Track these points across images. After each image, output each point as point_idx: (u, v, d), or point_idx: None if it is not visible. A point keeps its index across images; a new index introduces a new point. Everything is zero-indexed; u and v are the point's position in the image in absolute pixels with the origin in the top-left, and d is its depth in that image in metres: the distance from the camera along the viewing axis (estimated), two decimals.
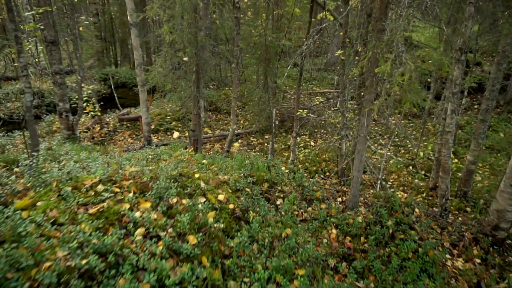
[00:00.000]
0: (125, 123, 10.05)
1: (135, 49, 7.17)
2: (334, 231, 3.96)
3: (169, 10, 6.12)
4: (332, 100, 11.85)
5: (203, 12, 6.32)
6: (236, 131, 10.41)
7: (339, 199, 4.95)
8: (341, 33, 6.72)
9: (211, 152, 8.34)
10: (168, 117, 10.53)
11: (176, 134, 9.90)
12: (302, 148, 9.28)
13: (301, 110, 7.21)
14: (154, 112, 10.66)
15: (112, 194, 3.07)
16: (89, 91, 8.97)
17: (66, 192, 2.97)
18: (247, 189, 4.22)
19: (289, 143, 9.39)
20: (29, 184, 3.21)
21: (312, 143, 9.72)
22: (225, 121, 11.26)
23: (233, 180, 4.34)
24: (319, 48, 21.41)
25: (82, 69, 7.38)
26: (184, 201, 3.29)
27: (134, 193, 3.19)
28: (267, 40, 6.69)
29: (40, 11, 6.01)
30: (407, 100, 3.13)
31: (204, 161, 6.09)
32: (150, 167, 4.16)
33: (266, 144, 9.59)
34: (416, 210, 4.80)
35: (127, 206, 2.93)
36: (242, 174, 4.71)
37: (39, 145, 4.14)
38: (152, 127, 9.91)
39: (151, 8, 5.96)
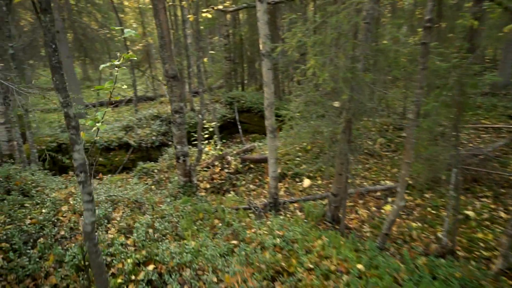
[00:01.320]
0: (248, 163, 8.62)
1: (265, 85, 5.51)
2: None
3: (315, 36, 4.19)
4: None
5: (363, 36, 4.26)
6: (383, 183, 7.96)
7: None
8: None
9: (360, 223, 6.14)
10: (298, 158, 8.70)
11: (307, 182, 7.99)
12: (488, 223, 6.30)
13: None
14: (281, 152, 8.97)
15: None
16: (211, 129, 7.79)
17: None
18: None
19: (468, 212, 6.50)
20: None
21: (502, 214, 6.60)
22: (376, 169, 8.80)
23: None
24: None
25: (204, 106, 6.01)
26: None
27: None
28: (463, 77, 4.21)
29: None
30: None
31: (359, 266, 3.94)
32: None
33: (429, 209, 6.87)
34: None
35: None
36: None
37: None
38: (279, 170, 8.21)
39: (293, 35, 4.15)
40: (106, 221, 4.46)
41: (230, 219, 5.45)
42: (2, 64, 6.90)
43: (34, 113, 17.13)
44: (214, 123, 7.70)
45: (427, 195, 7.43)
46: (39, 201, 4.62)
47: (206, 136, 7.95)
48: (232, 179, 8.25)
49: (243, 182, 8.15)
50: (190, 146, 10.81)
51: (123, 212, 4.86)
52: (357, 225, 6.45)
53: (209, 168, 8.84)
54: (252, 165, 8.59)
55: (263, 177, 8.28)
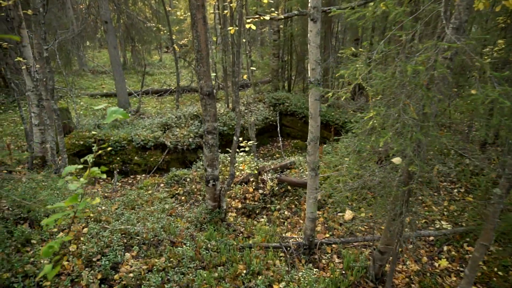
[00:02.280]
0: (285, 184, 7.84)
1: (311, 118, 4.68)
2: None
3: (380, 80, 3.27)
4: None
5: (441, 85, 3.27)
6: (438, 225, 6.89)
7: None
8: None
9: None
10: (340, 184, 7.77)
11: (349, 214, 7.10)
12: None
13: None
14: (323, 174, 8.08)
15: None
16: (247, 148, 7.10)
17: None
18: None
19: None
20: None
21: None
22: (431, 203, 7.72)
23: None
24: None
25: (238, 126, 5.35)
26: None
27: None
28: None
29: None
30: None
31: None
32: None
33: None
34: None
35: None
36: None
37: None
38: (318, 197, 7.38)
39: (353, 73, 3.26)
40: (113, 272, 3.94)
41: (256, 266, 4.78)
42: (38, 66, 6.64)
43: (79, 99, 17.53)
44: (251, 142, 6.97)
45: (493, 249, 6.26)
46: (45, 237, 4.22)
47: (242, 145, 7.26)
48: (266, 201, 7.55)
49: (278, 207, 7.42)
50: (225, 155, 10.25)
51: (137, 252, 4.35)
52: (405, 281, 5.51)
53: (242, 184, 8.21)
54: (289, 187, 7.82)
55: (300, 203, 7.50)
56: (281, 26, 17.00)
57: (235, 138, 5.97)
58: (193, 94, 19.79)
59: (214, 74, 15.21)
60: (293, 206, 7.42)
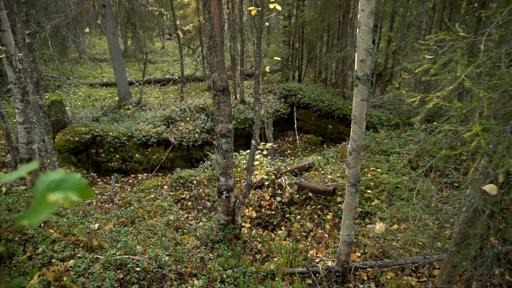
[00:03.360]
0: (306, 191, 6.89)
1: (355, 122, 3.71)
2: None
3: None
4: None
5: None
6: None
7: None
8: None
9: None
10: (369, 191, 6.83)
11: (380, 227, 6.16)
12: None
13: None
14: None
15: None
16: (265, 152, 6.13)
17: None
18: None
19: None
20: None
21: None
22: None
23: None
24: None
25: (257, 128, 4.41)
26: None
27: None
28: None
29: None
30: None
31: None
32: None
33: None
34: None
35: None
36: None
37: None
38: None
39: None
40: None
41: None
42: (20, 54, 5.65)
43: (77, 89, 16.51)
44: (270, 144, 5.98)
45: None
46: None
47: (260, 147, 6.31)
48: (285, 211, 6.63)
49: (298, 217, 6.50)
50: (237, 154, 9.29)
51: None
52: None
53: (256, 189, 7.28)
54: (310, 194, 6.88)
55: (324, 212, 6.56)
56: (292, 11, 15.85)
57: (253, 142, 5.00)
58: (198, 83, 18.74)
59: None
60: (315, 216, 6.49)
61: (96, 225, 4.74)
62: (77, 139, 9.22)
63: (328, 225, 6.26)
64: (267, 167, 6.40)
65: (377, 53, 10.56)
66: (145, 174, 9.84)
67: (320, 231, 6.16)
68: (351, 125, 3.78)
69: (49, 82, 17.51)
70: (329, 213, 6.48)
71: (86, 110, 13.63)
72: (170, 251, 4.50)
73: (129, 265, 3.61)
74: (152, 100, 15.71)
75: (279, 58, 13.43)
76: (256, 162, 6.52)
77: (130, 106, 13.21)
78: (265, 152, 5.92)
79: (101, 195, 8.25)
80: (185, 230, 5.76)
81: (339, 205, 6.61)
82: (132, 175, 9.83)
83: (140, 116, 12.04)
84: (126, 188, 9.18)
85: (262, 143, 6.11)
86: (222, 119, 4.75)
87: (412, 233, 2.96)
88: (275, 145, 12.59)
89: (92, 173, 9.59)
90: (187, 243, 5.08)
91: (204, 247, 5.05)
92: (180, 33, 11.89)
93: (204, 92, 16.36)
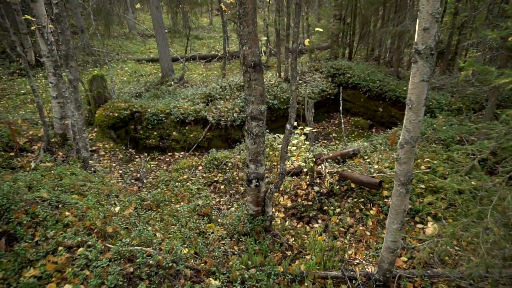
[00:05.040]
0: (348, 182, 6.19)
1: (410, 108, 2.98)
2: None
3: None
4: None
5: None
6: None
7: None
8: None
9: None
10: (422, 185, 5.97)
11: (431, 229, 5.38)
12: None
13: None
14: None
15: None
16: (303, 137, 5.48)
17: None
18: None
19: None
20: None
21: None
22: None
23: None
24: None
25: (293, 111, 3.85)
26: None
27: None
28: None
29: None
30: None
31: None
32: None
33: None
34: None
35: None
36: None
37: None
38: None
39: None
40: None
41: None
42: (51, 26, 5.44)
43: (124, 64, 16.67)
44: (309, 128, 5.33)
45: None
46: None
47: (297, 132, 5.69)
48: (323, 202, 6.01)
49: (338, 210, 5.86)
50: (273, 135, 8.72)
51: None
52: None
53: (293, 176, 6.71)
54: (353, 185, 6.18)
55: (367, 207, 5.86)
56: None
57: (288, 126, 4.41)
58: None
59: (265, 38, 13.41)
60: (357, 210, 5.81)
61: (117, 208, 4.49)
62: (116, 114, 9.17)
63: (371, 221, 5.56)
64: (306, 152, 5.78)
65: (442, 26, 9.26)
66: (182, 153, 9.64)
67: (361, 227, 5.49)
68: (405, 112, 3.05)
69: (98, 57, 17.92)
70: (373, 208, 5.76)
71: (131, 86, 13.71)
72: (190, 242, 4.13)
73: (138, 259, 3.27)
74: (196, 77, 15.49)
75: (321, 29, 12.35)
76: (293, 148, 5.92)
77: (172, 83, 13.05)
78: (302, 137, 5.28)
79: (136, 173, 8.16)
80: (213, 217, 5.39)
81: (385, 200, 5.86)
82: (169, 153, 9.68)
83: (181, 92, 11.82)
84: (162, 166, 9.05)
85: (300, 127, 5.46)
86: (253, 99, 4.19)
87: (481, 260, 2.25)
88: (318, 128, 11.83)
89: (130, 149, 9.57)
90: (211, 233, 4.70)
91: (230, 239, 4.64)
92: (223, 7, 11.31)
93: None
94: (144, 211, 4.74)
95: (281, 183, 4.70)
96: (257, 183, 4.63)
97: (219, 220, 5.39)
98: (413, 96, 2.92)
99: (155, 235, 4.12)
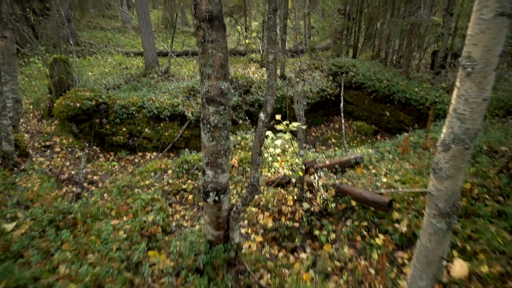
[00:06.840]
0: (347, 198, 4.76)
1: (466, 78, 1.54)
2: None
3: None
4: None
5: None
6: None
7: None
8: None
9: None
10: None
11: (460, 268, 3.93)
12: None
13: None
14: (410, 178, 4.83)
15: None
16: (287, 136, 4.07)
17: None
18: None
19: None
20: None
21: None
22: None
23: None
24: None
25: (271, 94, 2.34)
26: None
27: None
28: None
29: None
30: None
31: None
32: None
33: None
34: None
35: None
36: None
37: None
38: (404, 226, 4.24)
39: None
40: None
41: None
42: None
43: (110, 57, 15.45)
44: (297, 123, 3.89)
45: None
46: None
47: (281, 128, 4.25)
48: (313, 224, 4.59)
49: (332, 236, 4.43)
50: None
51: None
52: None
53: (278, 187, 5.28)
54: (353, 202, 4.74)
55: (371, 233, 4.41)
56: None
57: (262, 115, 3.03)
58: (239, 57, 16.86)
59: (257, 23, 12.07)
60: (358, 238, 4.37)
61: (11, 225, 3.10)
62: (78, 105, 7.78)
63: (376, 254, 4.12)
64: (293, 157, 4.37)
65: None
66: (154, 153, 8.24)
67: (363, 262, 4.05)
68: (457, 83, 1.66)
69: (84, 47, 16.79)
70: (379, 235, 4.33)
71: (110, 78, 12.36)
72: (108, 280, 2.71)
73: None
74: (184, 72, 14.13)
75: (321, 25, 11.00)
76: (278, 150, 4.51)
77: (156, 75, 11.69)
78: (287, 136, 3.85)
79: (93, 175, 6.77)
80: (161, 240, 3.96)
81: (396, 225, 4.41)
82: (140, 153, 8.27)
83: (163, 86, 10.47)
84: (128, 168, 7.64)
85: (285, 122, 4.03)
86: (210, 72, 2.79)
87: None
88: (316, 132, 10.43)
89: (94, 147, 8.18)
90: (150, 265, 3.28)
91: (175, 277, 3.21)
92: None
93: (239, 63, 14.51)
94: (55, 229, 3.32)
95: (252, 198, 3.28)
96: (216, 198, 3.21)
97: (171, 244, 3.96)
98: (476, 50, 1.52)
99: (54, 270, 2.70)
